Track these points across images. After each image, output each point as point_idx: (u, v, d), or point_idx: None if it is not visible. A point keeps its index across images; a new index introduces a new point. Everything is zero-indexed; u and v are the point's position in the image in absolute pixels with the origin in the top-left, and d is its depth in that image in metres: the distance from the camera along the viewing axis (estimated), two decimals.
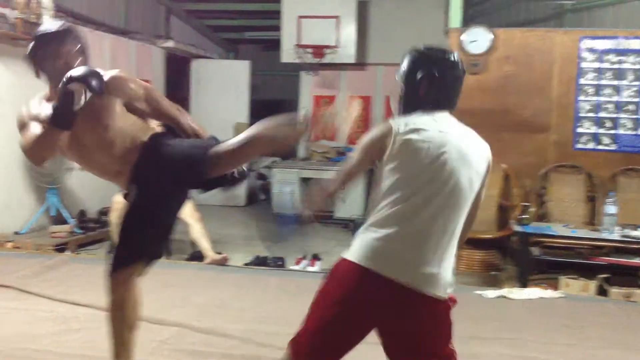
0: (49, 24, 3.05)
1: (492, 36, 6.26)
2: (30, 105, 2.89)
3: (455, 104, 2.44)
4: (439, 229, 2.27)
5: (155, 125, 3.08)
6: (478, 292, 5.19)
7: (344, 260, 2.37)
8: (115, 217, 5.95)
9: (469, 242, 5.81)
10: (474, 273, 5.81)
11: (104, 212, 7.13)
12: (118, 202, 5.62)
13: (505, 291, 5.12)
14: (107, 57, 8.01)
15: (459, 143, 2.31)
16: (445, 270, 2.30)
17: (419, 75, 2.36)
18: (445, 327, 2.39)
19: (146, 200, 2.86)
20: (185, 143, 2.94)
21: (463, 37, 6.23)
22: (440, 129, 2.30)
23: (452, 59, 2.41)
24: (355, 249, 2.35)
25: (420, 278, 2.24)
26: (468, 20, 7.39)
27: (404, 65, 2.42)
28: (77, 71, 2.66)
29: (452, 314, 2.39)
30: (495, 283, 5.50)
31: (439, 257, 2.28)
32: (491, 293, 5.13)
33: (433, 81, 2.36)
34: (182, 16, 10.93)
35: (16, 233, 6.57)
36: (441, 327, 2.38)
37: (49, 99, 2.86)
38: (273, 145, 2.83)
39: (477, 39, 6.25)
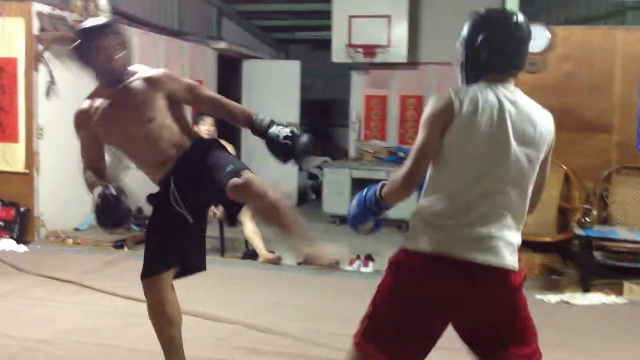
0: (91, 20, 3.14)
1: (550, 34, 6.12)
2: (83, 105, 3.02)
3: (521, 68, 2.31)
4: (498, 206, 2.20)
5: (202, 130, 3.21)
6: (538, 296, 5.08)
7: (404, 250, 2.26)
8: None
9: (527, 246, 5.72)
10: (533, 277, 5.69)
11: None
12: None
13: (566, 296, 5.01)
14: (162, 58, 8.12)
15: (521, 120, 2.23)
16: (507, 244, 2.21)
17: (479, 39, 2.25)
18: (523, 310, 2.28)
19: (155, 217, 3.08)
20: (217, 160, 2.95)
21: None
22: (502, 105, 2.20)
23: (515, 20, 2.26)
24: (414, 236, 2.24)
25: (483, 251, 2.16)
26: (527, 18, 7.27)
27: (464, 29, 2.31)
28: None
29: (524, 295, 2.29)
30: (556, 288, 5.37)
31: (501, 231, 2.20)
32: (552, 298, 5.03)
33: (494, 44, 2.24)
34: (234, 17, 11.01)
35: (76, 230, 6.72)
36: (518, 305, 2.27)
37: (97, 96, 3.00)
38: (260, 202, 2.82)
39: (535, 37, 6.06)
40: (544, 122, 2.31)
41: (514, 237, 2.25)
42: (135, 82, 2.96)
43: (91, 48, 2.90)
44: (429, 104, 2.26)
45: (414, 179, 2.26)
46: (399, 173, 2.27)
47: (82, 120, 3.00)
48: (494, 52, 2.25)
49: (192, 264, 3.11)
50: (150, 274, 3.00)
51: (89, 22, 3.05)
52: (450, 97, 2.20)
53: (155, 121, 2.91)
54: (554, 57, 6.13)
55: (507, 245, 2.21)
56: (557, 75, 6.13)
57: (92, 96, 3.02)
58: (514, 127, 2.21)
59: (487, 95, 2.21)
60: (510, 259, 2.21)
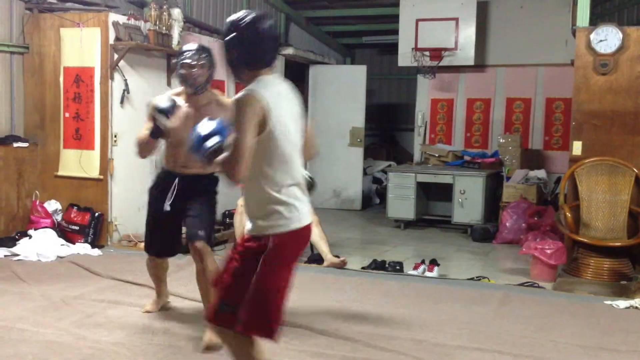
0: (188, 45, 4.26)
1: (622, 35, 5.96)
2: (160, 97, 4.03)
3: (273, 60, 2.75)
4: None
5: None
6: (608, 302, 4.98)
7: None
8: (238, 220, 6.15)
9: (597, 250, 5.59)
10: (603, 282, 5.56)
11: (229, 214, 7.39)
12: (242, 205, 5.82)
13: (637, 302, 4.90)
14: None
15: (291, 104, 2.77)
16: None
17: (231, 45, 2.69)
18: None
19: (152, 210, 4.33)
20: (205, 214, 4.16)
21: (591, 36, 5.98)
22: (277, 91, 2.69)
23: (269, 22, 2.72)
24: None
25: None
26: (596, 19, 7.09)
27: (229, 34, 2.70)
28: (161, 103, 3.92)
29: None
30: (625, 293, 5.24)
31: None
32: (622, 303, 4.92)
33: (243, 46, 2.67)
34: (301, 23, 11.14)
35: None
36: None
37: (179, 95, 4.17)
38: None
39: (607, 38, 5.98)
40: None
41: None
42: (211, 97, 4.13)
43: (180, 64, 4.10)
44: (242, 110, 2.59)
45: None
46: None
47: None
48: (260, 51, 2.69)
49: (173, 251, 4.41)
50: (147, 252, 4.46)
51: (187, 46, 4.19)
52: (257, 98, 2.59)
53: None
54: (627, 57, 5.97)
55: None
56: (629, 77, 5.96)
57: (177, 94, 4.16)
58: (292, 106, 2.77)
59: (274, 87, 2.68)
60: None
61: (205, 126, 2.71)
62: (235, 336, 2.72)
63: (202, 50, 4.11)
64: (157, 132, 3.98)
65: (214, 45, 8.02)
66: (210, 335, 3.70)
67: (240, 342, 2.74)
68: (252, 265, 2.67)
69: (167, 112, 3.89)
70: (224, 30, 2.73)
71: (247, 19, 2.67)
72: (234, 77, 2.81)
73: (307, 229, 2.74)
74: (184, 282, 5.15)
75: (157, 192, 4.25)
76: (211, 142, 2.65)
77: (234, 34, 2.67)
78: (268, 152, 2.63)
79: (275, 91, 2.67)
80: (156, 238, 4.32)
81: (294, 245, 2.72)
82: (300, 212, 2.69)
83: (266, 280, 2.64)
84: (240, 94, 2.61)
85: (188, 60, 4.03)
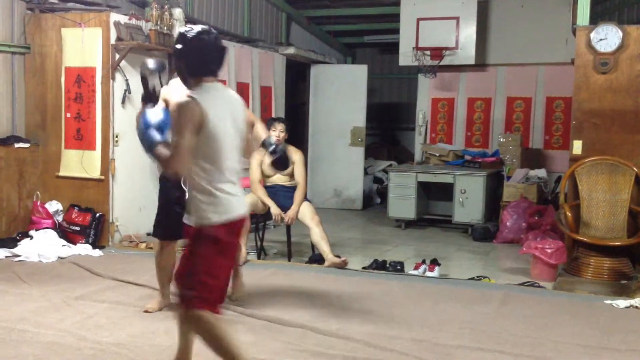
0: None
1: (622, 33, 5.96)
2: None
3: (216, 70, 3.05)
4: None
5: None
6: (608, 301, 4.99)
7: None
8: None
9: (596, 249, 5.60)
10: (603, 282, 5.56)
11: None
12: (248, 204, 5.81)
13: (637, 301, 4.90)
14: (232, 64, 8.30)
15: (230, 110, 3.05)
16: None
17: (178, 55, 3.03)
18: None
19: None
20: None
21: (592, 35, 5.98)
22: (217, 97, 2.99)
23: (213, 35, 3.03)
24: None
25: None
26: (596, 18, 7.09)
27: (178, 46, 3.03)
28: (151, 64, 3.41)
29: None
30: (626, 292, 5.24)
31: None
32: (622, 303, 4.92)
33: (188, 57, 3.00)
34: (303, 23, 11.15)
35: (149, 234, 6.92)
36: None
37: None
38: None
39: (607, 37, 5.99)
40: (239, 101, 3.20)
41: None
42: None
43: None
44: (181, 113, 2.89)
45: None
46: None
47: None
48: (191, 63, 3.01)
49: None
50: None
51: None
52: (196, 103, 2.88)
53: None
54: (627, 56, 5.97)
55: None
56: (629, 76, 5.96)
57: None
58: (230, 111, 3.05)
59: (213, 94, 2.98)
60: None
61: (154, 115, 3.12)
62: (189, 316, 3.03)
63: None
64: (148, 97, 3.54)
65: None
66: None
67: (196, 321, 3.00)
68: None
69: (158, 71, 3.55)
70: (174, 41, 3.09)
71: (192, 33, 3.01)
72: (182, 83, 3.10)
73: (238, 222, 3.06)
74: None
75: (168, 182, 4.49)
76: (154, 134, 3.06)
77: (181, 45, 3.01)
78: (204, 151, 2.94)
79: (213, 97, 2.98)
80: (165, 223, 4.60)
81: (226, 236, 3.01)
82: (231, 206, 3.02)
83: (198, 262, 2.98)
84: (182, 99, 2.92)
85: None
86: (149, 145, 3.07)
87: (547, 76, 9.28)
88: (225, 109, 3.03)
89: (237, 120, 3.08)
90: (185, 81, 3.05)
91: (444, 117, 9.95)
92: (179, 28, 2.98)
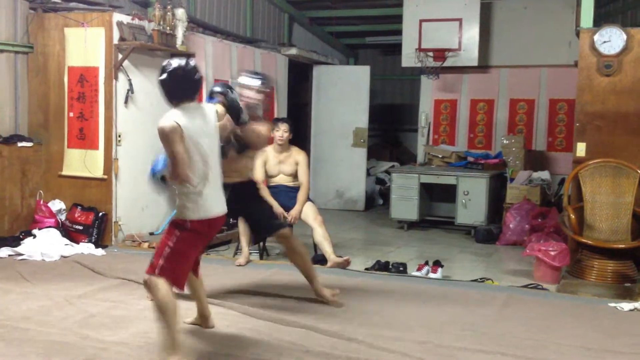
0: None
1: (626, 36, 5.96)
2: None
3: (192, 95, 3.70)
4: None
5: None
6: (612, 304, 4.98)
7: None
8: (242, 226, 6.16)
9: (600, 252, 5.59)
10: (607, 284, 5.55)
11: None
12: None
13: None
14: (235, 65, 8.31)
15: (202, 124, 3.69)
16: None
17: (161, 84, 3.66)
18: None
19: None
20: None
21: (595, 37, 5.97)
22: (194, 115, 3.64)
23: (190, 64, 3.66)
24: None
25: None
26: (600, 20, 7.08)
27: (163, 74, 3.64)
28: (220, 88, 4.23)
29: None
30: (629, 295, 5.23)
31: None
32: (626, 305, 4.91)
33: (169, 86, 3.64)
34: (305, 24, 11.15)
35: (151, 234, 6.96)
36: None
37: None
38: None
39: (610, 39, 5.98)
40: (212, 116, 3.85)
41: None
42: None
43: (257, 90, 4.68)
44: (165, 132, 3.51)
45: None
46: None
47: None
48: (173, 89, 3.64)
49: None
50: None
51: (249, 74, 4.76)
52: (175, 123, 3.51)
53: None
54: (631, 59, 5.95)
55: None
56: (633, 78, 5.95)
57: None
58: (204, 128, 3.71)
59: (189, 113, 3.62)
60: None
61: (155, 161, 3.83)
62: (151, 280, 3.56)
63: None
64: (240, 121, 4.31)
65: (218, 44, 8.06)
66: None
67: (154, 287, 3.53)
68: None
69: (229, 88, 4.23)
70: (159, 72, 3.67)
71: (171, 67, 3.61)
72: (166, 103, 3.70)
73: (213, 220, 3.73)
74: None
75: None
76: (158, 166, 3.76)
77: (164, 75, 3.62)
78: None
79: (190, 116, 3.61)
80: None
81: (202, 229, 3.68)
82: (206, 206, 3.67)
83: (174, 246, 3.61)
84: (164, 120, 3.53)
85: (266, 89, 4.63)
86: (160, 178, 3.79)
87: (550, 78, 9.27)
88: (200, 123, 3.67)
89: (209, 130, 3.75)
90: (168, 103, 3.68)
91: (447, 119, 9.95)
92: (164, 61, 3.70)
